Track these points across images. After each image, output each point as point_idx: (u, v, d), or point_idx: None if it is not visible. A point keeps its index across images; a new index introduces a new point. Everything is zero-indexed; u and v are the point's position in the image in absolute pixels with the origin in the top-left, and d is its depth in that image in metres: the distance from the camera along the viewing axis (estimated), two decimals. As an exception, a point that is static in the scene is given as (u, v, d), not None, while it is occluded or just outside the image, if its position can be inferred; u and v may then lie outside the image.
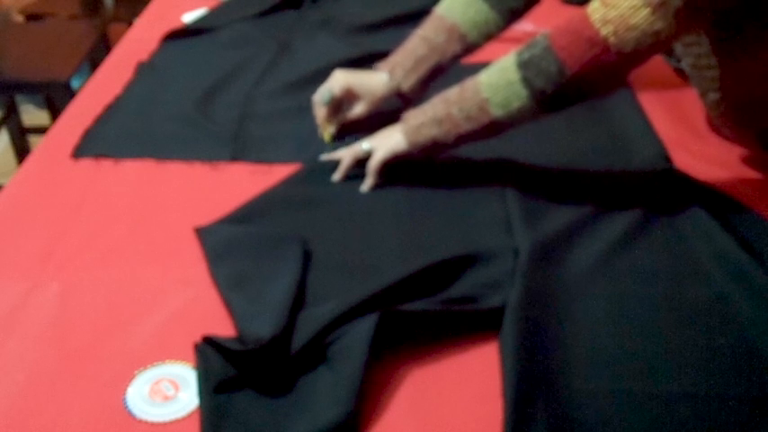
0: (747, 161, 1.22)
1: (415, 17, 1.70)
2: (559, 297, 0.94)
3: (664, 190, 1.12)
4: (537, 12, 1.76)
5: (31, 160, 1.28)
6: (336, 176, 1.17)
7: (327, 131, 1.27)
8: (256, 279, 0.97)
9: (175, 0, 1.88)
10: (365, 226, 1.09)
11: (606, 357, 0.87)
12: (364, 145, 1.15)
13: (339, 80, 1.25)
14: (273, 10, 1.77)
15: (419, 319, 0.90)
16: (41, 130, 2.32)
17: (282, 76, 1.49)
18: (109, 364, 0.88)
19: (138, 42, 1.66)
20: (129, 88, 1.47)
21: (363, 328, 0.85)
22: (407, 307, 0.90)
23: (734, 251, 0.99)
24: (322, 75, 1.47)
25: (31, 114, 2.73)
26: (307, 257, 1.00)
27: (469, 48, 1.26)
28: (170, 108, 1.39)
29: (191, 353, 0.87)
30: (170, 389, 0.85)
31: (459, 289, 0.95)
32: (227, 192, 1.15)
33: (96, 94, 1.45)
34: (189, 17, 1.77)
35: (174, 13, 1.80)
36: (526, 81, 1.02)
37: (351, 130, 1.26)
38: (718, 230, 1.02)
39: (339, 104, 1.26)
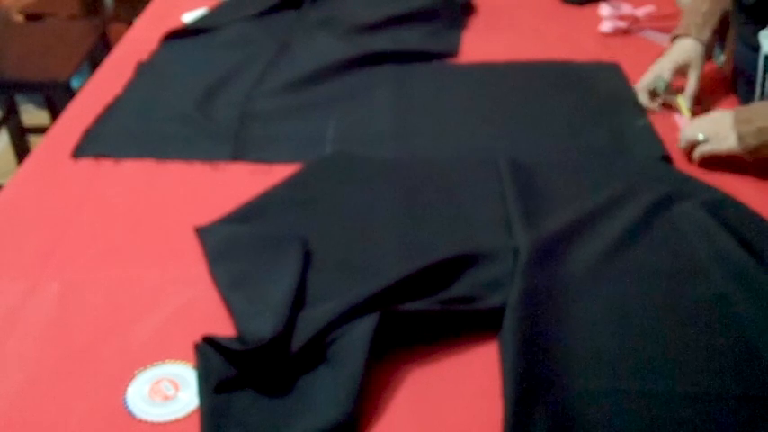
0: (748, 161, 1.22)
1: (415, 17, 1.71)
2: (559, 297, 0.94)
3: (664, 190, 1.12)
4: (537, 11, 1.77)
5: (31, 160, 1.28)
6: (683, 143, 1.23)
7: (685, 108, 1.32)
8: (256, 279, 0.97)
9: (175, 0, 1.88)
10: (365, 226, 1.09)
11: (606, 357, 0.87)
12: (700, 136, 1.19)
13: (664, 67, 1.34)
14: (273, 10, 1.77)
15: (419, 319, 0.90)
16: (41, 130, 2.32)
17: (282, 76, 1.49)
18: (109, 364, 0.88)
19: (138, 42, 1.66)
20: (129, 88, 1.47)
21: (363, 328, 0.85)
22: (407, 307, 0.90)
23: (734, 251, 0.99)
24: (322, 75, 1.48)
25: (31, 114, 2.73)
26: (307, 257, 1.00)
27: None
28: (170, 108, 1.39)
29: (191, 353, 0.87)
30: (170, 389, 0.85)
31: (459, 289, 0.95)
32: (227, 192, 1.15)
33: (96, 94, 1.45)
34: (189, 17, 1.77)
35: (174, 13, 1.80)
36: None
37: None
38: (718, 230, 1.02)
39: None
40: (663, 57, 1.37)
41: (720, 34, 1.37)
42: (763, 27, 1.24)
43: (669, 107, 1.35)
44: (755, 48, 1.26)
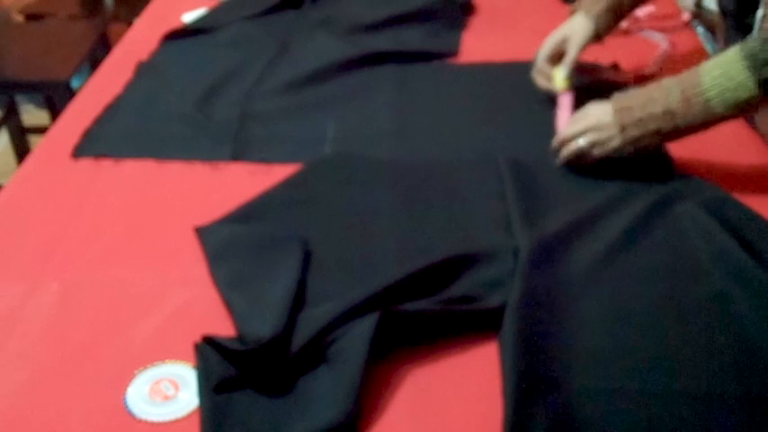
0: (747, 161, 1.22)
1: (415, 17, 1.71)
2: (559, 297, 0.94)
3: (664, 190, 1.12)
4: (537, 11, 1.77)
5: (31, 160, 1.28)
6: (561, 160, 1.19)
7: (559, 78, 1.32)
8: (256, 279, 0.97)
9: (175, 0, 1.88)
10: (365, 226, 1.09)
11: (606, 356, 0.87)
12: (581, 141, 1.15)
13: (546, 43, 1.34)
14: (273, 10, 1.77)
15: (419, 319, 0.90)
16: (41, 130, 2.32)
17: (282, 76, 1.49)
18: (109, 364, 0.88)
19: (138, 42, 1.66)
20: (129, 88, 1.47)
21: (363, 328, 0.85)
22: (407, 307, 0.90)
23: (734, 250, 0.99)
24: (322, 75, 1.48)
25: (31, 114, 2.73)
26: (307, 257, 1.00)
27: None
28: (170, 108, 1.39)
29: (191, 353, 0.87)
30: (170, 389, 0.85)
31: (459, 289, 0.95)
32: (227, 192, 1.15)
33: (96, 94, 1.45)
34: (189, 17, 1.77)
35: (174, 13, 1.80)
36: (757, 77, 1.02)
37: None
38: (718, 230, 1.02)
39: (559, 56, 1.33)
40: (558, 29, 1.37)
41: (618, 18, 1.34)
42: (748, 34, 1.23)
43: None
44: None
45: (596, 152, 1.15)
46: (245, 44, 1.62)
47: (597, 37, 1.33)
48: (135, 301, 0.97)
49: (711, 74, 1.06)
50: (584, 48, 1.32)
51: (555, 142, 1.20)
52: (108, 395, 0.84)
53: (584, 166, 1.18)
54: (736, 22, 1.27)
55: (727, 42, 1.34)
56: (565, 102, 1.30)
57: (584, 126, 1.15)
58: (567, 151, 1.17)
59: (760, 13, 1.15)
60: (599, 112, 1.14)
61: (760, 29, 1.14)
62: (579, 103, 1.25)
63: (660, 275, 0.98)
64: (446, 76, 1.52)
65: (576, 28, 1.32)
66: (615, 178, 1.16)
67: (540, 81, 1.36)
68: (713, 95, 1.05)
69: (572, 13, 1.36)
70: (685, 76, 1.09)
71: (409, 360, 0.88)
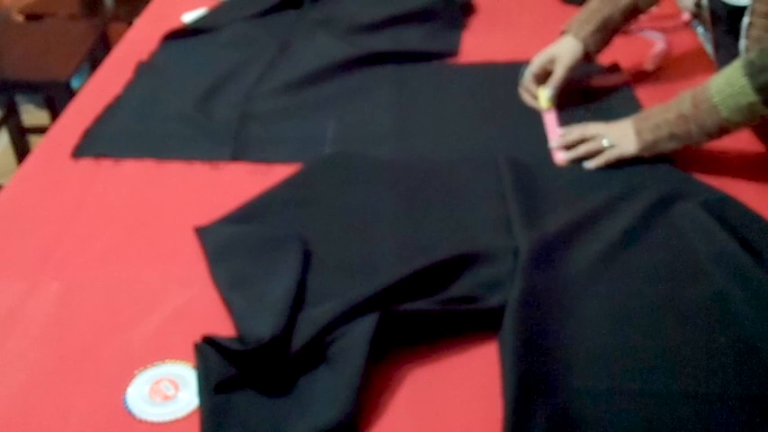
0: (747, 161, 1.22)
1: (415, 17, 1.71)
2: (559, 297, 0.94)
3: (664, 190, 1.12)
4: (537, 11, 1.78)
5: (31, 160, 1.28)
6: (564, 158, 1.22)
7: (543, 98, 1.36)
8: (256, 279, 0.97)
9: (175, 0, 1.88)
10: (365, 226, 1.09)
11: (606, 356, 0.87)
12: (604, 142, 1.19)
13: (534, 62, 1.38)
14: (273, 10, 1.77)
15: (419, 319, 0.90)
16: (41, 130, 2.32)
17: (282, 76, 1.49)
18: (109, 364, 0.88)
19: (138, 42, 1.66)
20: (129, 88, 1.47)
21: (363, 328, 0.85)
22: (407, 307, 0.90)
23: (734, 251, 0.99)
24: (322, 75, 1.48)
25: (31, 114, 2.73)
26: (307, 257, 1.00)
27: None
28: (170, 108, 1.39)
29: (191, 353, 0.87)
30: (170, 389, 0.85)
31: (459, 289, 0.95)
32: (227, 192, 1.16)
33: (96, 94, 1.45)
34: (189, 17, 1.77)
35: (174, 12, 1.80)
36: (753, 83, 1.07)
37: None
38: (718, 230, 1.02)
39: (546, 75, 1.37)
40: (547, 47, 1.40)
41: (608, 36, 1.37)
42: (738, 38, 1.23)
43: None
44: (736, 55, 1.25)
45: (614, 153, 1.18)
46: (245, 44, 1.62)
47: (587, 56, 1.37)
48: (135, 301, 0.97)
49: (717, 81, 1.11)
50: (570, 69, 1.35)
51: (570, 137, 1.23)
52: (108, 395, 0.84)
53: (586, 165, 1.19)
54: (728, 27, 1.28)
55: (718, 46, 1.34)
56: (549, 118, 1.33)
57: (604, 127, 1.21)
58: (586, 148, 1.20)
59: (746, 21, 1.17)
60: (617, 122, 1.21)
61: (746, 36, 1.16)
62: (579, 103, 1.26)
63: (660, 276, 0.98)
64: (446, 76, 1.52)
65: (564, 49, 1.36)
66: (615, 178, 1.16)
67: (526, 98, 1.40)
68: (719, 101, 1.10)
69: (562, 33, 1.39)
70: (698, 87, 1.14)
71: (409, 360, 0.88)
